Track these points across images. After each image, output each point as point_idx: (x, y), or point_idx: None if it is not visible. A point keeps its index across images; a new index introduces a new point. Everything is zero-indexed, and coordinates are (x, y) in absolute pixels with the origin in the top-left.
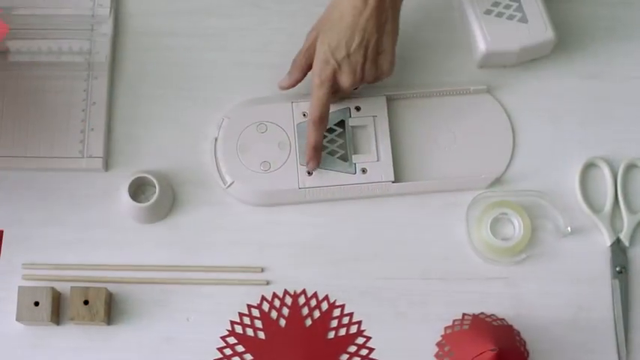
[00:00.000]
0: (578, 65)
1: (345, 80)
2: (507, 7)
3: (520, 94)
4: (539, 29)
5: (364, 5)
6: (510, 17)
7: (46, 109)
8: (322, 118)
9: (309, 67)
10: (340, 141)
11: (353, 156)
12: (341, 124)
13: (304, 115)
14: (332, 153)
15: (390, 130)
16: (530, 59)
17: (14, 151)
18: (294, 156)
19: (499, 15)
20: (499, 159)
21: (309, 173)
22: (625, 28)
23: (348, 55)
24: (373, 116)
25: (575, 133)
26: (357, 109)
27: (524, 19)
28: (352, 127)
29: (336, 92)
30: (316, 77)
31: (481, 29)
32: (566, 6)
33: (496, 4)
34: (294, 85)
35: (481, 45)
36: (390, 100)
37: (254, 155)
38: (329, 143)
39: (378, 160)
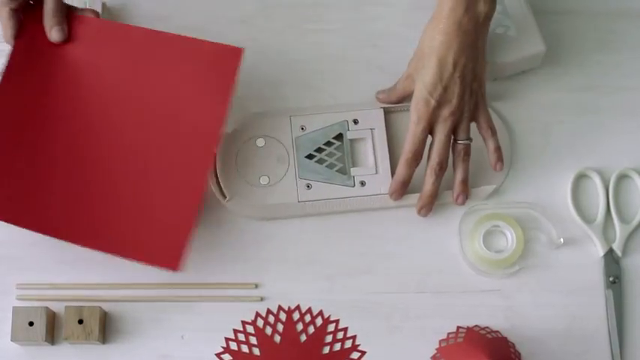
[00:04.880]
0: (569, 77)
1: (446, 113)
2: (496, 19)
3: (511, 106)
4: (529, 41)
5: (454, 37)
6: (500, 30)
7: None
8: (416, 155)
9: (406, 95)
10: (338, 154)
11: (351, 169)
12: (339, 137)
13: (302, 128)
14: (330, 166)
15: (388, 143)
16: (520, 71)
17: None
18: (293, 169)
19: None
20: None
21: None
22: (614, 40)
23: (445, 89)
24: (371, 129)
25: (567, 144)
26: (355, 122)
27: (513, 32)
28: (350, 139)
29: (432, 130)
30: (414, 114)
31: None
32: (556, 18)
33: None
34: (388, 104)
35: None
36: (387, 113)
37: (253, 169)
38: (327, 156)
39: (376, 173)
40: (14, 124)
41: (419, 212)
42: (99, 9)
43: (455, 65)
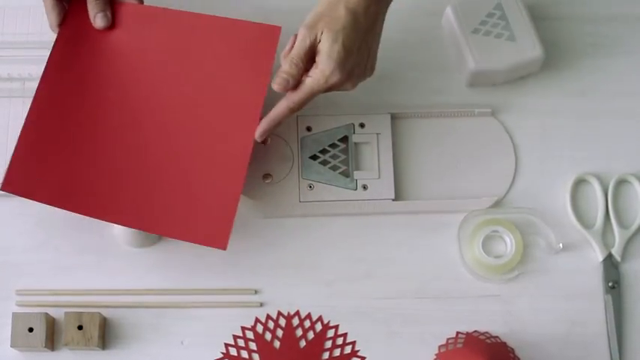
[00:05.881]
0: (567, 82)
1: (355, 83)
2: (495, 25)
3: (509, 112)
4: (527, 47)
5: (376, 8)
6: (498, 36)
7: None
8: (298, 109)
9: (310, 67)
10: (343, 156)
11: (355, 172)
12: (344, 139)
13: (308, 129)
14: (334, 168)
15: (393, 148)
16: (519, 77)
17: None
18: (297, 169)
19: (487, 34)
20: (500, 181)
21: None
22: (612, 45)
23: (359, 61)
24: (377, 134)
25: (565, 149)
26: (362, 125)
27: (512, 37)
28: (355, 143)
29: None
30: (320, 73)
31: (469, 48)
32: (554, 24)
33: (483, 23)
34: (295, 88)
35: (470, 64)
36: (394, 119)
37: (256, 167)
38: (331, 158)
39: (379, 178)
40: (59, 109)
41: (257, 133)
42: None
43: (373, 35)
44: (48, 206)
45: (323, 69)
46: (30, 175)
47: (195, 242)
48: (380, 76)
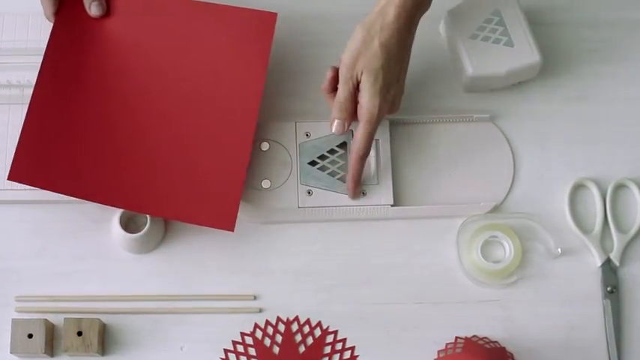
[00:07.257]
0: (565, 88)
1: (399, 104)
2: (493, 31)
3: (508, 117)
4: (525, 52)
5: (408, 36)
6: (496, 41)
7: None
8: (368, 153)
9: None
10: (341, 162)
11: None
12: (343, 145)
13: (307, 135)
14: (333, 174)
15: (392, 155)
16: (517, 82)
17: (6, 184)
18: (295, 175)
19: (485, 39)
20: (499, 187)
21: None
22: (609, 50)
23: (399, 87)
24: (375, 140)
25: (563, 154)
26: None
27: (509, 43)
28: None
29: None
30: (368, 113)
31: (467, 53)
32: (552, 29)
33: (482, 29)
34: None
35: (468, 69)
36: (392, 125)
37: (255, 173)
38: (330, 164)
39: (377, 184)
40: (60, 98)
41: (351, 195)
42: None
43: (404, 64)
44: (46, 212)
45: (369, 109)
46: (35, 164)
47: (202, 225)
48: None
